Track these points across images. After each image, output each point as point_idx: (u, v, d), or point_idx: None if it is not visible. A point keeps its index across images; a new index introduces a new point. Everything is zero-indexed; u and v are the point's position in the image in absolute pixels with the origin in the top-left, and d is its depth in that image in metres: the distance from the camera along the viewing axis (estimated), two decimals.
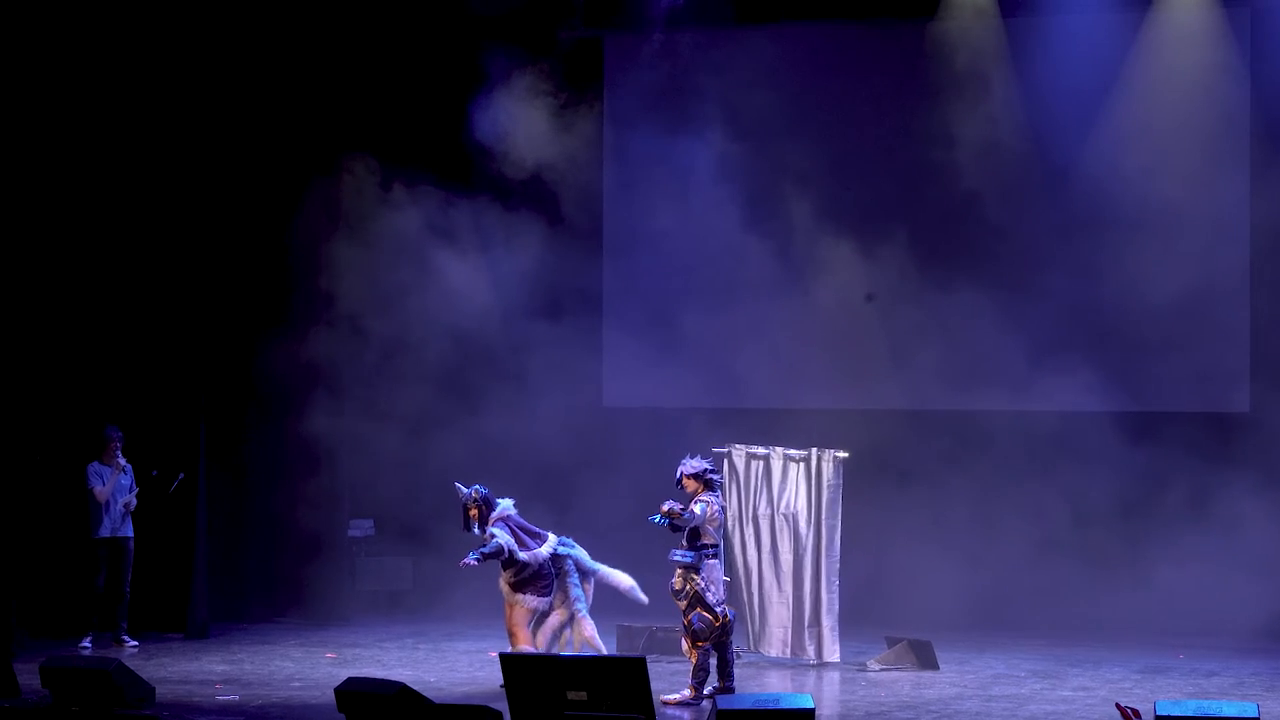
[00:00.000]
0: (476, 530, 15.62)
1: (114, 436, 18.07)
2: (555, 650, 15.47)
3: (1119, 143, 19.34)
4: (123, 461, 18.05)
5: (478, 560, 15.36)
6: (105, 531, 18.02)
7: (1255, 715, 11.94)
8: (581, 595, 15.65)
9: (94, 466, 18.03)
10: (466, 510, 15.65)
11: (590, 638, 15.58)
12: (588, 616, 15.64)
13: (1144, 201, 19.16)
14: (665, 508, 14.83)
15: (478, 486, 15.68)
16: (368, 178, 19.91)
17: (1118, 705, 13.11)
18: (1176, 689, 15.65)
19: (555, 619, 15.61)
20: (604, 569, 15.82)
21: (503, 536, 15.39)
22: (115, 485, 18.00)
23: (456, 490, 15.72)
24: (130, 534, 18.16)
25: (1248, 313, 19.22)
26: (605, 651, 15.71)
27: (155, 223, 19.03)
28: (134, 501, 18.14)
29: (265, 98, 19.58)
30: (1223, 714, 11.97)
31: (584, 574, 15.73)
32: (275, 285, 19.88)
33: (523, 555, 15.40)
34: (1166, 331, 19.11)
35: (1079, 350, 19.09)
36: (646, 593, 15.90)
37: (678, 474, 15.12)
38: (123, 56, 18.67)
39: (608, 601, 16.02)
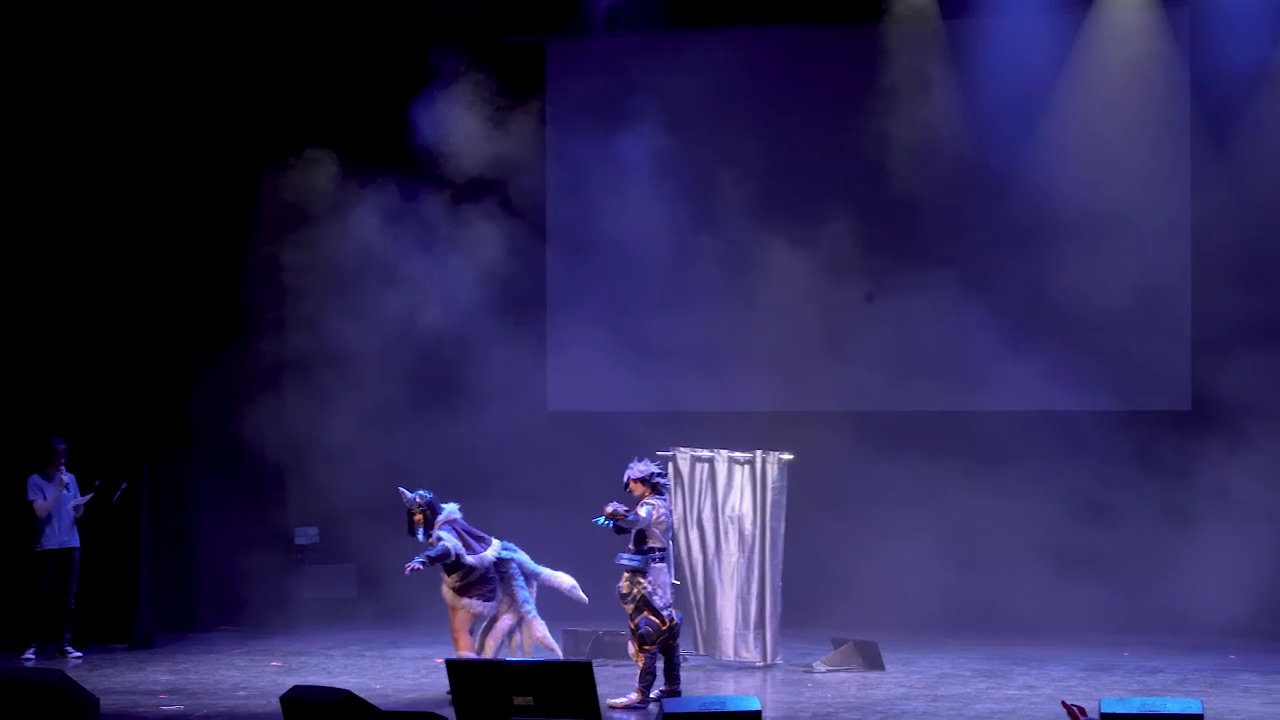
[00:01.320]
0: (421, 535, 15.58)
1: (59, 449, 17.93)
2: (505, 654, 15.45)
3: (1061, 143, 19.42)
4: (65, 478, 17.92)
5: (423, 564, 15.30)
6: (51, 543, 17.87)
7: (1199, 711, 12.00)
8: (529, 597, 15.65)
9: (34, 479, 17.87)
10: (411, 515, 15.61)
11: (542, 637, 15.57)
12: (538, 617, 15.63)
13: (1085, 202, 19.26)
14: (609, 509, 14.83)
15: (422, 491, 15.64)
16: (318, 176, 19.81)
17: (1063, 703, 13.13)
18: (1121, 686, 15.74)
19: (505, 622, 15.60)
20: (546, 571, 15.81)
21: (449, 540, 15.35)
22: (59, 498, 17.88)
23: (401, 495, 15.68)
24: (76, 544, 18.00)
25: (1189, 312, 19.30)
26: (559, 650, 15.72)
27: (99, 226, 18.89)
28: (81, 509, 18.01)
29: (209, 95, 19.49)
30: (1167, 710, 12.01)
31: (527, 577, 15.72)
32: (220, 290, 19.78)
33: (470, 559, 15.36)
34: (1108, 331, 19.22)
35: (1021, 350, 19.13)
36: (591, 596, 15.88)
37: (625, 478, 15.12)
38: (66, 60, 18.55)
39: (552, 606, 16.00)
